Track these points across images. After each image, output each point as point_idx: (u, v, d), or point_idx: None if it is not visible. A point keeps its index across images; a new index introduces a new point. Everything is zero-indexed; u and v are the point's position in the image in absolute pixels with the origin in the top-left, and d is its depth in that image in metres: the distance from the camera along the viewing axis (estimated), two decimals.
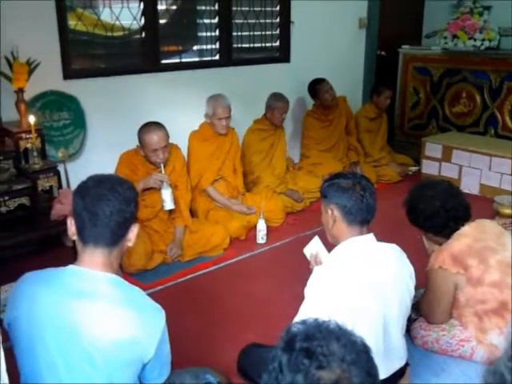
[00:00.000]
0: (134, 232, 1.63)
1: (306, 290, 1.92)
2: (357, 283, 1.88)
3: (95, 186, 1.57)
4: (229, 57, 4.75)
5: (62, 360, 1.48)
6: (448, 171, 4.94)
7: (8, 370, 1.36)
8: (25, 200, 3.17)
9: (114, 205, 1.54)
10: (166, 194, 3.40)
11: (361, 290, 1.87)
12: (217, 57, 4.72)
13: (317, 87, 4.95)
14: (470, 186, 4.74)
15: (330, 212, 2.04)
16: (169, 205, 3.43)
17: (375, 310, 1.88)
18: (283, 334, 1.09)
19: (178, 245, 3.58)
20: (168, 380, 1.77)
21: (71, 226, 1.59)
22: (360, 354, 1.04)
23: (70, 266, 1.57)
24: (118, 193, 1.56)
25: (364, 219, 2.01)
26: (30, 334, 1.51)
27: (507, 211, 4.05)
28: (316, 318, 1.11)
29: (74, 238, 1.61)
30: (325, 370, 0.99)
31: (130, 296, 1.58)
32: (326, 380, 0.98)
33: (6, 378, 1.22)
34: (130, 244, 1.64)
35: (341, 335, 1.06)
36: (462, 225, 2.45)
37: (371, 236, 2.03)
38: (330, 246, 2.18)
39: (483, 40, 5.21)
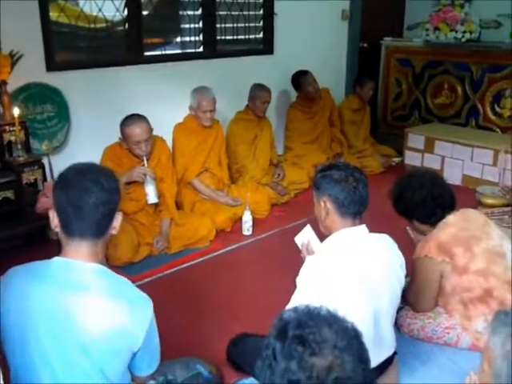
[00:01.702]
0: (118, 220, 1.62)
1: (298, 280, 1.93)
2: (348, 273, 1.90)
3: (77, 178, 1.53)
4: (213, 49, 4.74)
5: (55, 352, 1.48)
6: (431, 162, 5.00)
7: None
8: (9, 193, 3.14)
9: (98, 197, 1.52)
10: (150, 188, 3.36)
11: (352, 280, 1.89)
12: (201, 49, 4.71)
13: (300, 79, 4.97)
14: (452, 176, 4.80)
15: (322, 204, 2.05)
16: (152, 198, 3.40)
17: (366, 300, 1.90)
18: (275, 322, 1.11)
19: (165, 237, 3.57)
20: (158, 371, 1.78)
21: (53, 219, 1.57)
22: (351, 340, 1.06)
23: (56, 258, 1.56)
24: (101, 184, 1.53)
25: (357, 211, 2.02)
26: (21, 328, 1.50)
27: (489, 201, 4.12)
28: (307, 304, 1.13)
29: (57, 230, 1.59)
30: (318, 356, 1.01)
31: (117, 286, 1.58)
32: (319, 366, 1.01)
33: None
34: (114, 232, 1.63)
35: (332, 322, 1.08)
36: (449, 213, 2.50)
37: (363, 227, 2.05)
38: (321, 235, 2.19)
39: (464, 32, 5.26)
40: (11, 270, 1.60)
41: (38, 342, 1.49)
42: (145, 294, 1.62)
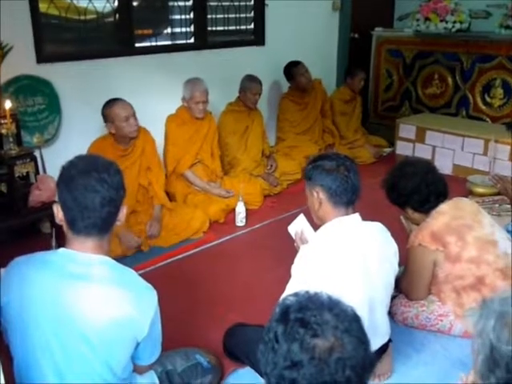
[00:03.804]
0: (123, 212, 1.63)
1: (293, 269, 1.95)
2: (343, 262, 1.91)
3: (81, 175, 1.51)
4: (204, 40, 4.72)
5: (56, 341, 1.49)
6: (422, 152, 5.02)
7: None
8: (2, 187, 3.12)
9: (104, 196, 1.52)
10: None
11: (347, 269, 1.91)
12: (192, 40, 4.69)
13: (292, 70, 4.97)
14: (443, 166, 4.80)
15: (315, 194, 2.06)
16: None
17: (361, 288, 1.92)
18: (277, 307, 1.14)
19: (157, 221, 3.60)
20: (158, 362, 1.80)
21: (58, 213, 1.57)
22: (352, 322, 1.10)
23: (62, 249, 1.57)
24: (107, 182, 1.53)
25: (349, 200, 2.04)
26: (23, 317, 1.51)
27: (480, 190, 4.17)
28: (307, 290, 1.15)
29: (62, 223, 1.59)
30: (319, 338, 1.04)
31: (123, 276, 1.59)
32: (321, 347, 1.03)
33: None
34: (119, 223, 1.64)
35: (332, 305, 1.11)
36: (442, 201, 2.53)
37: (357, 216, 2.07)
38: (315, 225, 2.21)
39: (454, 22, 5.26)
40: (15, 260, 1.61)
41: (39, 332, 1.50)
42: (149, 285, 1.63)
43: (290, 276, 1.98)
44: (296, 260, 1.96)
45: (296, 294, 1.15)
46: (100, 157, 1.65)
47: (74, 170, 1.53)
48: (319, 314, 1.07)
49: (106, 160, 1.63)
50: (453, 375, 1.89)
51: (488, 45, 5.13)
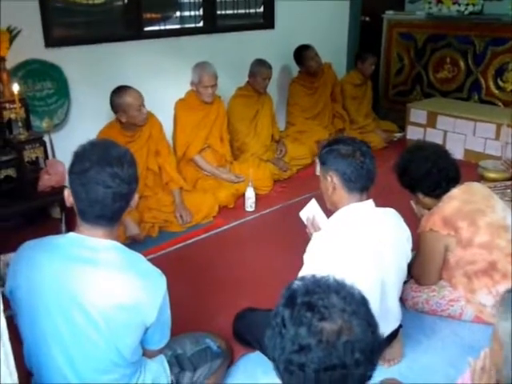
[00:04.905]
0: (135, 199, 1.62)
1: (306, 256, 1.92)
2: (356, 248, 1.89)
3: (94, 168, 1.49)
4: (213, 24, 4.67)
5: (65, 325, 1.49)
6: (433, 137, 4.95)
7: (10, 339, 1.36)
8: (11, 171, 3.12)
9: (115, 191, 1.50)
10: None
11: (360, 254, 1.89)
12: (201, 23, 4.65)
13: (303, 53, 4.91)
14: (454, 151, 4.63)
15: (329, 179, 2.02)
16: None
17: (374, 274, 1.91)
18: (284, 292, 1.13)
19: (183, 208, 3.61)
20: (167, 346, 1.80)
21: (69, 197, 1.57)
22: (359, 305, 1.09)
23: (71, 234, 1.56)
24: (119, 177, 1.51)
25: (364, 186, 2.00)
26: (32, 301, 1.51)
27: (492, 175, 4.11)
28: (313, 274, 1.14)
29: (72, 206, 1.58)
30: (327, 321, 1.03)
31: (132, 261, 1.58)
32: (329, 330, 1.02)
33: (9, 347, 1.22)
34: (129, 209, 1.63)
35: (340, 288, 1.10)
36: (453, 186, 2.50)
37: (370, 202, 2.04)
38: (327, 210, 2.19)
39: (467, 5, 5.18)
40: (25, 244, 1.61)
41: (48, 316, 1.50)
42: (159, 270, 1.63)
43: (299, 261, 1.96)
44: (308, 248, 1.93)
45: (302, 278, 1.14)
46: (114, 145, 1.61)
47: (88, 162, 1.50)
48: (326, 297, 1.07)
49: (119, 149, 1.59)
50: (463, 361, 1.88)
51: (501, 27, 5.03)
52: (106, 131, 3.45)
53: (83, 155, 1.53)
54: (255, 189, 3.92)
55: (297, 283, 1.12)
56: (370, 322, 1.08)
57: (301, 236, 2.35)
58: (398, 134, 5.44)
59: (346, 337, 1.02)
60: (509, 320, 1.20)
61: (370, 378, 1.08)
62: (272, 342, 1.08)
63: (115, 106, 3.36)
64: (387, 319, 2.03)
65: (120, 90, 3.36)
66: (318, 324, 1.03)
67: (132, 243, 3.26)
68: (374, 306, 1.84)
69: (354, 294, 1.10)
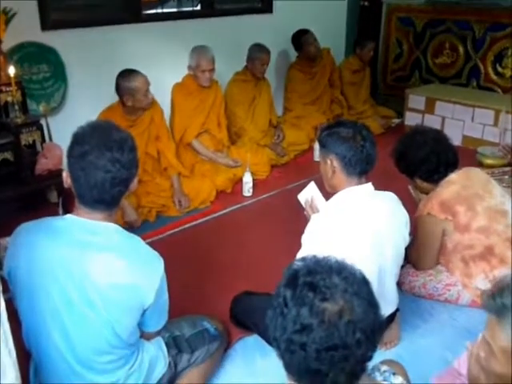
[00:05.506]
0: (134, 183, 1.61)
1: (304, 237, 1.93)
2: (354, 230, 1.89)
3: (93, 153, 1.47)
4: (211, 7, 4.63)
5: (64, 306, 1.49)
6: (431, 123, 4.94)
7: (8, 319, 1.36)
8: (8, 155, 3.10)
9: (114, 176, 1.49)
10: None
11: (358, 237, 1.89)
12: (198, 7, 4.61)
13: (301, 39, 4.87)
14: (452, 137, 4.63)
15: (329, 162, 2.01)
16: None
17: (371, 258, 1.91)
18: (285, 272, 1.13)
19: (182, 193, 3.62)
20: (165, 328, 1.80)
21: (67, 179, 1.56)
22: (361, 285, 1.09)
23: (69, 216, 1.56)
24: (119, 162, 1.49)
25: (363, 170, 2.00)
26: (31, 282, 1.51)
27: (489, 162, 4.12)
28: (315, 254, 1.14)
29: (70, 187, 1.57)
30: (329, 301, 1.03)
31: (131, 244, 1.58)
32: (331, 311, 1.03)
33: (7, 326, 1.22)
34: (128, 192, 1.63)
35: (341, 269, 1.10)
36: (452, 171, 2.50)
37: (369, 185, 2.03)
38: (326, 193, 2.18)
39: None
40: (21, 225, 1.60)
41: (46, 296, 1.50)
42: (156, 253, 1.62)
43: (296, 245, 1.96)
44: (306, 229, 1.93)
45: (303, 259, 1.14)
46: (114, 128, 1.59)
47: (87, 145, 1.48)
48: (328, 277, 1.07)
49: (121, 134, 1.57)
50: (460, 344, 1.89)
51: (501, 13, 5.01)
52: (107, 113, 3.41)
53: (83, 138, 1.51)
54: (253, 174, 3.92)
55: (298, 263, 1.12)
56: (372, 303, 1.08)
57: (298, 220, 2.34)
58: (396, 120, 5.43)
59: (347, 317, 1.02)
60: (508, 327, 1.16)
61: (370, 358, 1.08)
62: (273, 322, 1.08)
63: (122, 90, 3.32)
64: (384, 303, 1.99)
65: (128, 74, 3.32)
66: (319, 304, 1.03)
67: (129, 229, 3.25)
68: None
69: (355, 275, 1.10)
